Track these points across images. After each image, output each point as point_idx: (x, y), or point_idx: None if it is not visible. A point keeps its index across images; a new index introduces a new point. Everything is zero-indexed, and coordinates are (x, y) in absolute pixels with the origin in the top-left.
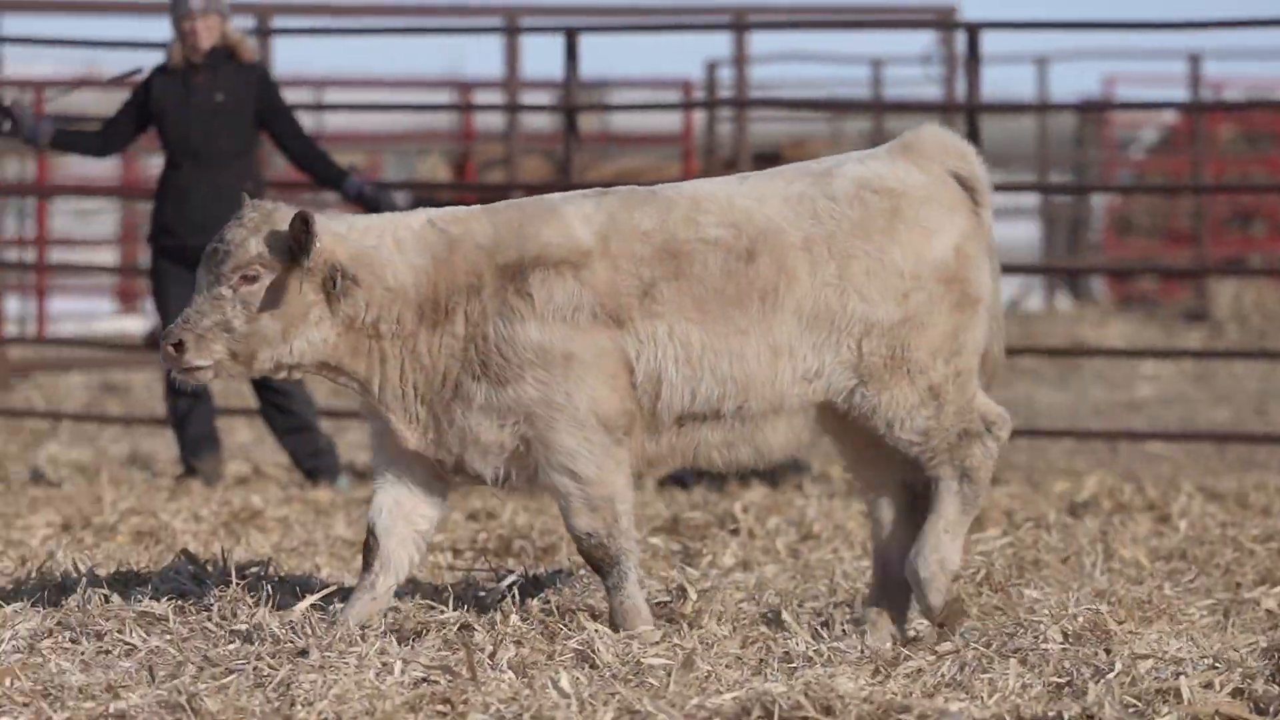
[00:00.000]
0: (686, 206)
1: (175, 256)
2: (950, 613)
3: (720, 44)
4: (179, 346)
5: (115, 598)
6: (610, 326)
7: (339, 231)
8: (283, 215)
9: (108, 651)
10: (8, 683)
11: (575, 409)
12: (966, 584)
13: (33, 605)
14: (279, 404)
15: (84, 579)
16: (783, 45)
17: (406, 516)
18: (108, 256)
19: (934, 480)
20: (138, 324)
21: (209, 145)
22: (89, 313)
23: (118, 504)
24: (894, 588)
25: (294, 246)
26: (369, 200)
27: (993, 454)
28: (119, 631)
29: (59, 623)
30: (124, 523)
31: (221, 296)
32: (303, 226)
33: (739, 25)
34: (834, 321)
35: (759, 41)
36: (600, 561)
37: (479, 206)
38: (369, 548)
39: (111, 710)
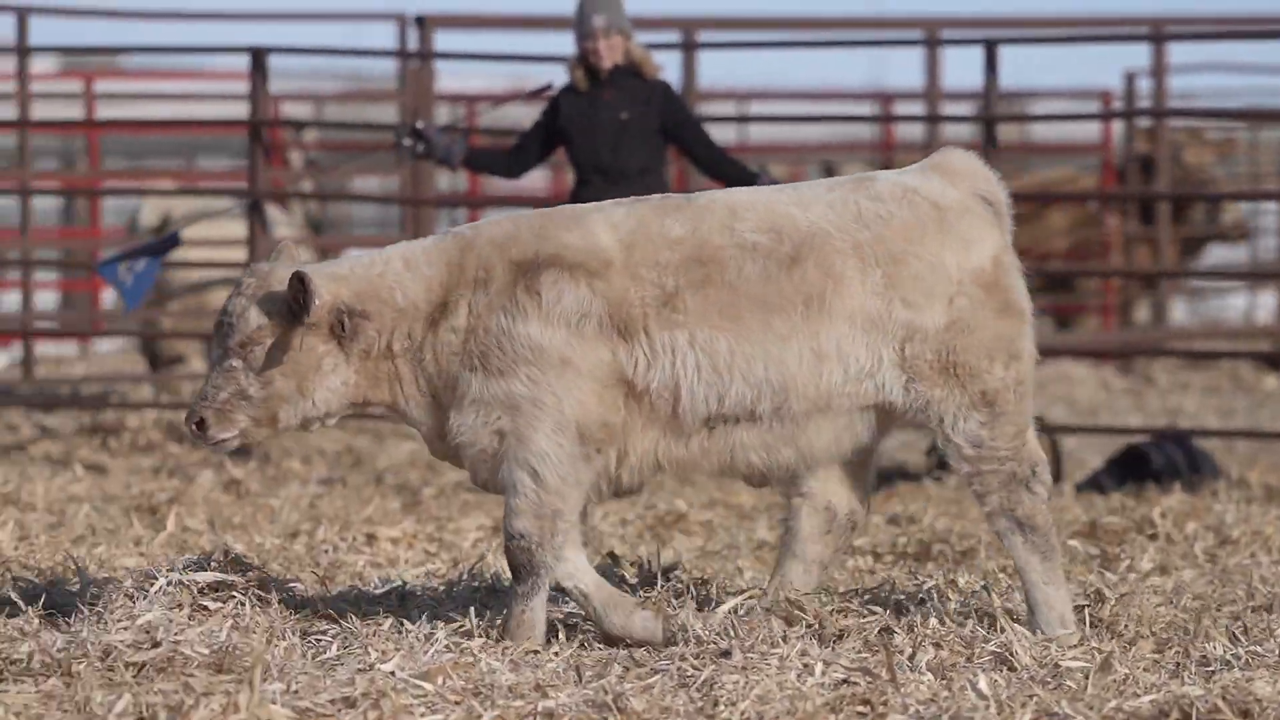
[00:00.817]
0: (722, 213)
1: None
2: None
3: (1139, 54)
4: (201, 425)
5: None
6: (613, 339)
7: (340, 273)
8: (280, 276)
9: (536, 652)
10: (440, 681)
11: (560, 412)
12: None
13: (464, 606)
14: None
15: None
16: (1202, 55)
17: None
18: None
19: (1001, 538)
20: None
21: (616, 162)
22: None
23: None
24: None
25: (293, 306)
26: None
27: (1042, 499)
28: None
29: (488, 623)
30: None
31: (233, 368)
32: (300, 287)
33: (1158, 36)
34: (882, 325)
35: (1178, 52)
36: (521, 566)
37: (507, 215)
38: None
39: (540, 709)
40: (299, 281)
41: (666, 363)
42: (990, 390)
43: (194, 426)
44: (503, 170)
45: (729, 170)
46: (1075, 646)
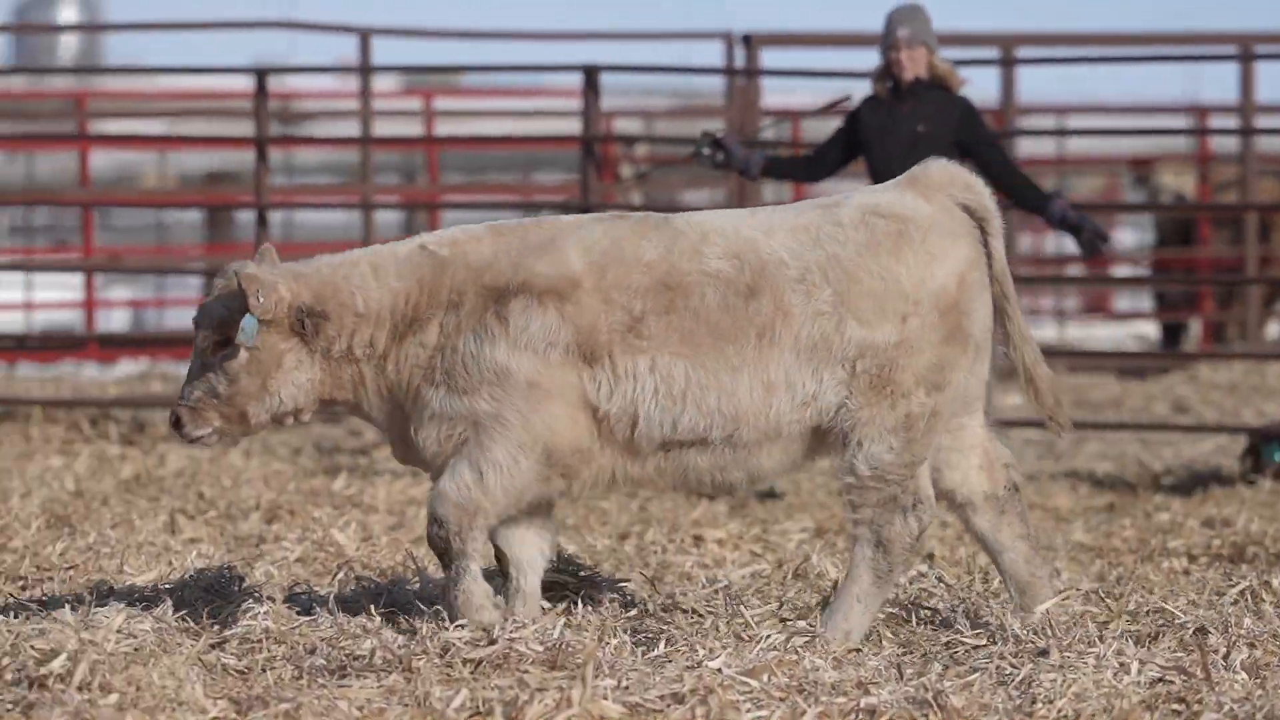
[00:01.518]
0: (694, 238)
1: None
2: None
3: None
4: (178, 422)
5: None
6: (579, 364)
7: (302, 272)
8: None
9: (858, 650)
10: (765, 678)
11: (526, 432)
12: None
13: (788, 606)
14: None
15: (835, 582)
16: None
17: (519, 519)
18: None
19: (851, 542)
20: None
21: None
22: None
23: None
24: (1027, 585)
25: (249, 304)
26: (1071, 225)
27: (911, 533)
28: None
29: (811, 622)
30: None
31: (203, 367)
32: (239, 282)
33: None
34: (831, 348)
35: None
36: (441, 552)
37: (486, 226)
38: (499, 558)
39: (862, 705)
40: (236, 277)
41: (627, 388)
42: (912, 415)
43: (172, 424)
44: (803, 177)
45: (1024, 191)
46: None
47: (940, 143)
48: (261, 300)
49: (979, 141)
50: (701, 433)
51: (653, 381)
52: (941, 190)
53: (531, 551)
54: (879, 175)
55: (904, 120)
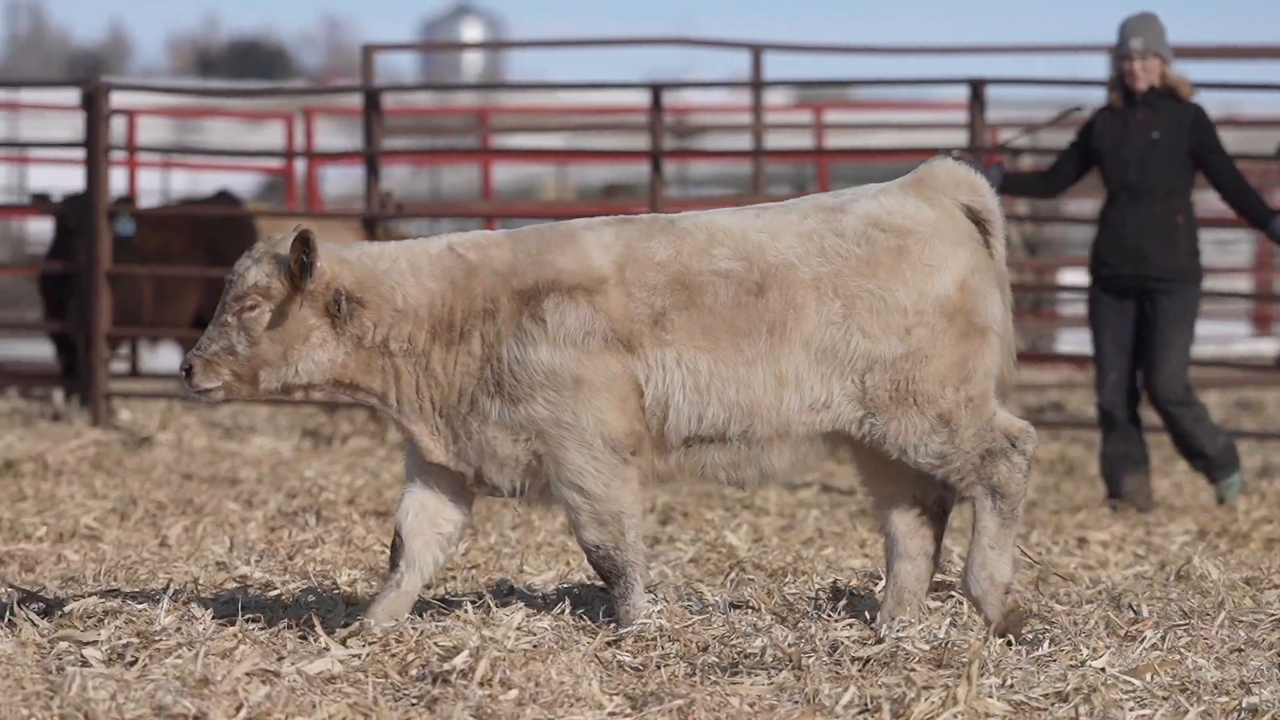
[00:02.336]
0: (702, 239)
1: (1108, 286)
2: (1010, 622)
3: None
4: (189, 371)
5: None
6: (621, 351)
7: (346, 257)
8: (286, 243)
9: (1240, 650)
10: (1148, 677)
11: (582, 429)
12: None
13: (1170, 605)
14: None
15: (1220, 582)
16: None
17: (431, 520)
18: (1244, 284)
19: (971, 500)
20: (1270, 346)
21: (1143, 180)
22: (1226, 335)
23: (1250, 513)
24: (905, 599)
25: (294, 268)
26: None
27: (1020, 468)
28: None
29: (1196, 622)
30: (1256, 530)
31: (227, 324)
32: (302, 247)
33: None
34: (839, 357)
35: None
36: (608, 573)
37: (503, 232)
38: (395, 548)
39: (1244, 705)
40: (302, 243)
41: (659, 379)
42: (945, 412)
43: (183, 371)
44: (1042, 191)
45: (1250, 204)
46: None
47: (1173, 151)
48: (320, 268)
49: (1210, 151)
50: (722, 427)
51: (680, 375)
52: (946, 192)
53: (429, 554)
54: (1111, 183)
55: (1137, 129)
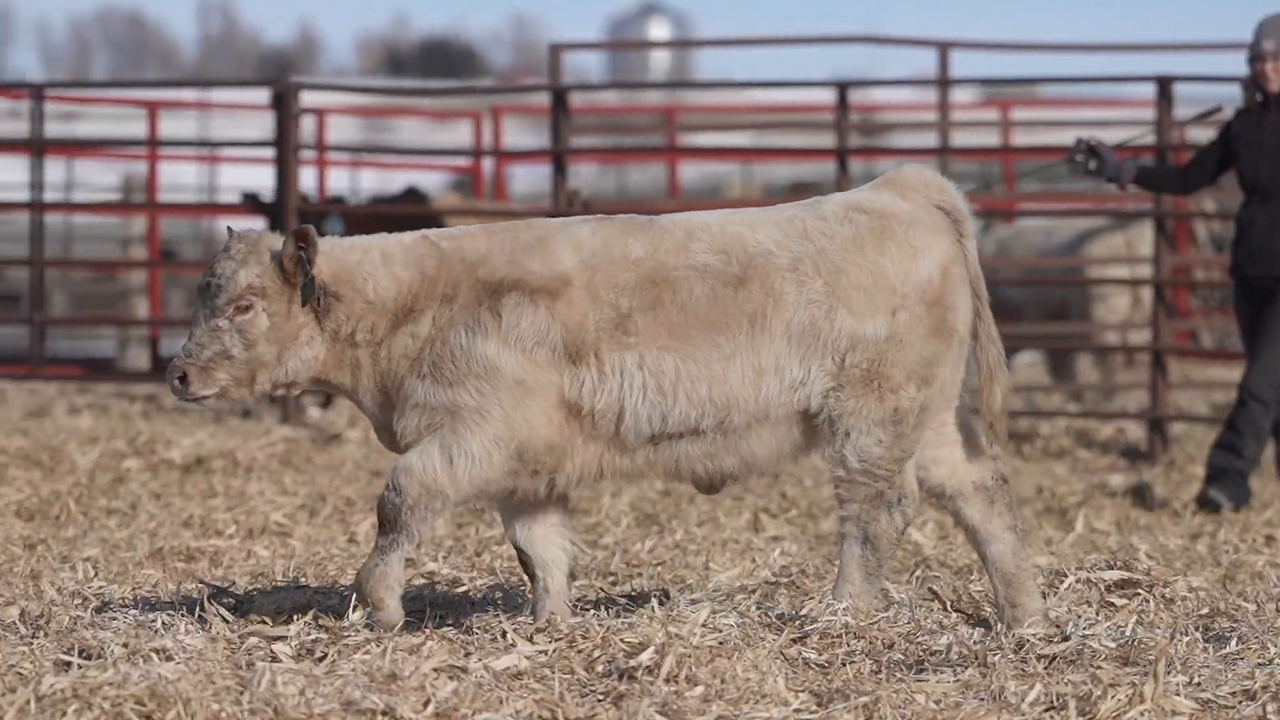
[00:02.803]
0: (680, 235)
1: (1241, 285)
2: None
3: None
4: (183, 380)
5: None
6: (565, 365)
7: (323, 249)
8: (269, 242)
9: None
10: None
11: (507, 427)
12: None
13: None
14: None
15: None
16: None
17: (537, 520)
18: None
19: (840, 538)
20: None
21: (1273, 181)
22: None
23: None
24: (1012, 578)
25: (288, 265)
26: None
27: (896, 528)
28: None
29: None
30: None
31: (219, 328)
32: (303, 242)
33: None
34: (820, 336)
35: None
36: (387, 519)
37: (480, 225)
38: (523, 562)
39: None
40: (302, 237)
41: (614, 385)
42: (900, 409)
43: (176, 381)
44: (1174, 188)
45: None
46: None
47: None
48: (304, 275)
49: None
50: (693, 423)
51: (641, 378)
52: (917, 191)
53: (555, 550)
54: (1245, 183)
55: (1270, 130)
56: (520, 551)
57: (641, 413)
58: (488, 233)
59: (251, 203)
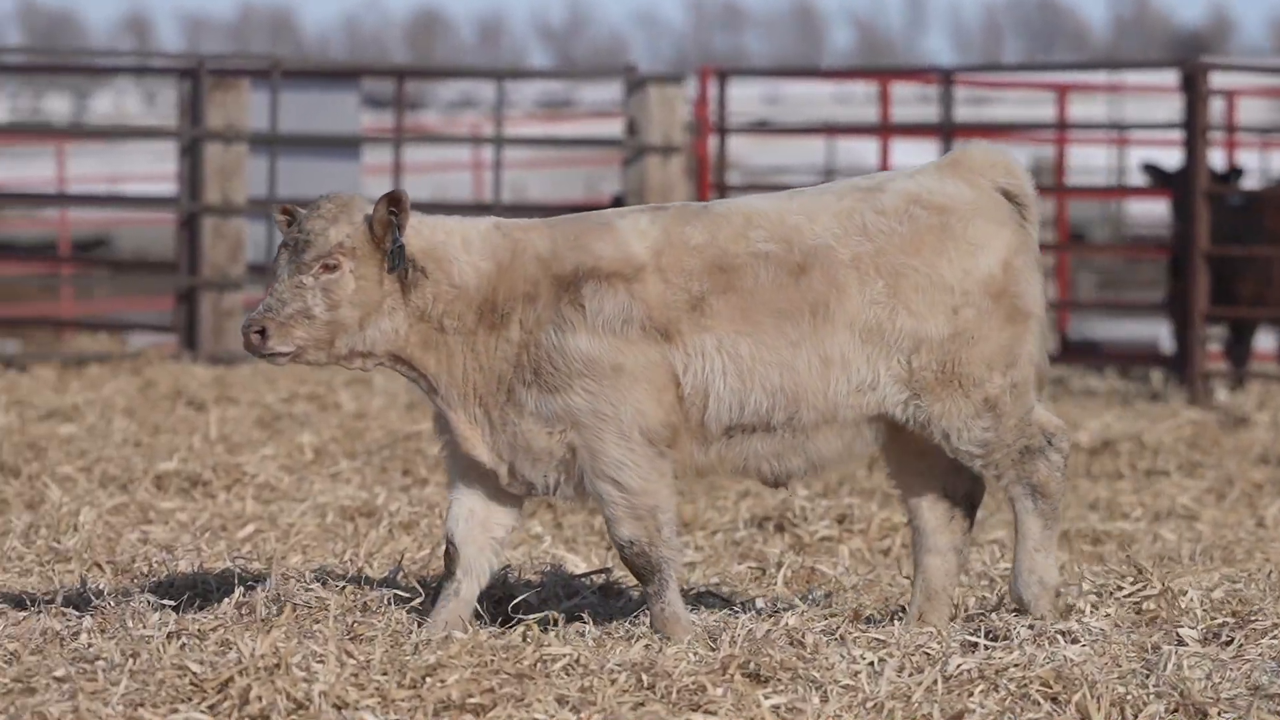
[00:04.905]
0: (739, 222)
1: None
2: None
3: None
4: (262, 334)
5: None
6: (658, 340)
7: (412, 224)
8: (360, 205)
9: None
10: None
11: (620, 420)
12: None
13: None
14: None
15: None
16: None
17: (483, 525)
18: None
19: (1010, 501)
20: None
21: None
22: None
23: None
24: (934, 594)
25: (377, 229)
26: None
27: (1058, 466)
28: None
29: None
30: None
31: (303, 285)
32: (394, 205)
33: None
34: (884, 337)
35: None
36: (641, 569)
37: (538, 219)
38: (449, 556)
39: None
40: (394, 202)
41: (698, 367)
42: (991, 397)
43: (255, 335)
44: None
45: None
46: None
47: None
48: (394, 241)
49: None
50: (765, 415)
51: (720, 361)
52: (984, 175)
53: (483, 561)
54: None
55: None
56: (450, 544)
57: (724, 398)
58: (549, 226)
59: (1153, 174)
